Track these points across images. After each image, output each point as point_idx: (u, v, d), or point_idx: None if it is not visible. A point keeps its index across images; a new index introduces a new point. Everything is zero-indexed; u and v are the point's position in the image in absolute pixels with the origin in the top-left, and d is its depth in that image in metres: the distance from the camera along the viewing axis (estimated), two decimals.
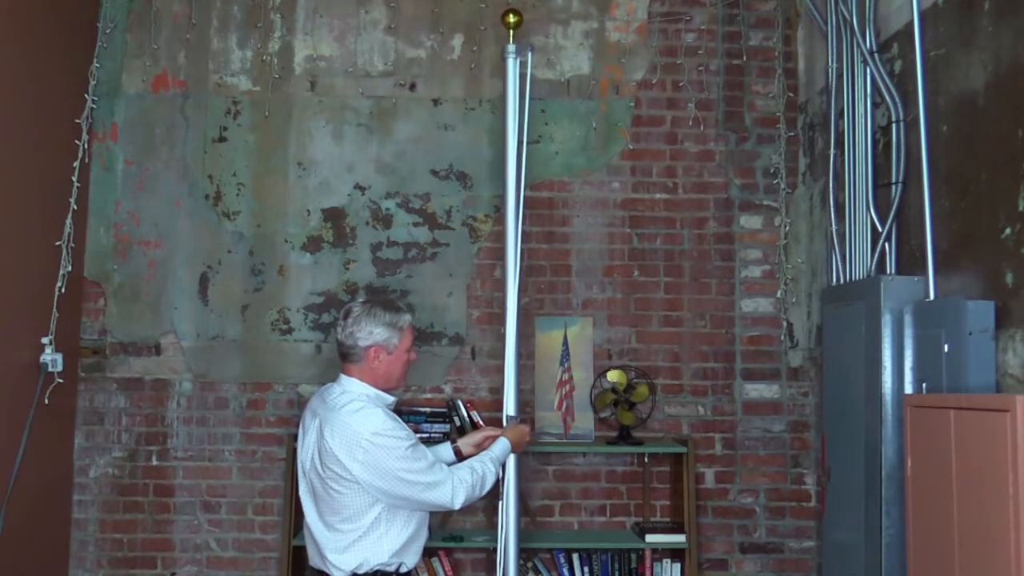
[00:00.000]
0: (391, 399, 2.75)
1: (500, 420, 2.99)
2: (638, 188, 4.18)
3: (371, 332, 2.68)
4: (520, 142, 3.03)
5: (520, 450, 2.96)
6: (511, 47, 3.04)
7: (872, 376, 2.94)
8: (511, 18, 3.05)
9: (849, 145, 3.41)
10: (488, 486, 2.74)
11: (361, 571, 2.58)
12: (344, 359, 2.72)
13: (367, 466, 2.51)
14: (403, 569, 2.63)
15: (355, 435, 2.53)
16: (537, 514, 4.04)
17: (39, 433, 3.55)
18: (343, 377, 2.72)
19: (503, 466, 2.87)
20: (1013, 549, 2.04)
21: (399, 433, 2.57)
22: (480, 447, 2.95)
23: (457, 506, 2.64)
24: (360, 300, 2.79)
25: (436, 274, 4.12)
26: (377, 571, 2.58)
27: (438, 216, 4.14)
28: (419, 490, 2.57)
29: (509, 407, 2.99)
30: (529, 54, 3.05)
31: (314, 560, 2.68)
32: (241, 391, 4.06)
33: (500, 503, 2.95)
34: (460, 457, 2.94)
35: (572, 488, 4.08)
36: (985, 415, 2.20)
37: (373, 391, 2.69)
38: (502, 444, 2.88)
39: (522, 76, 3.03)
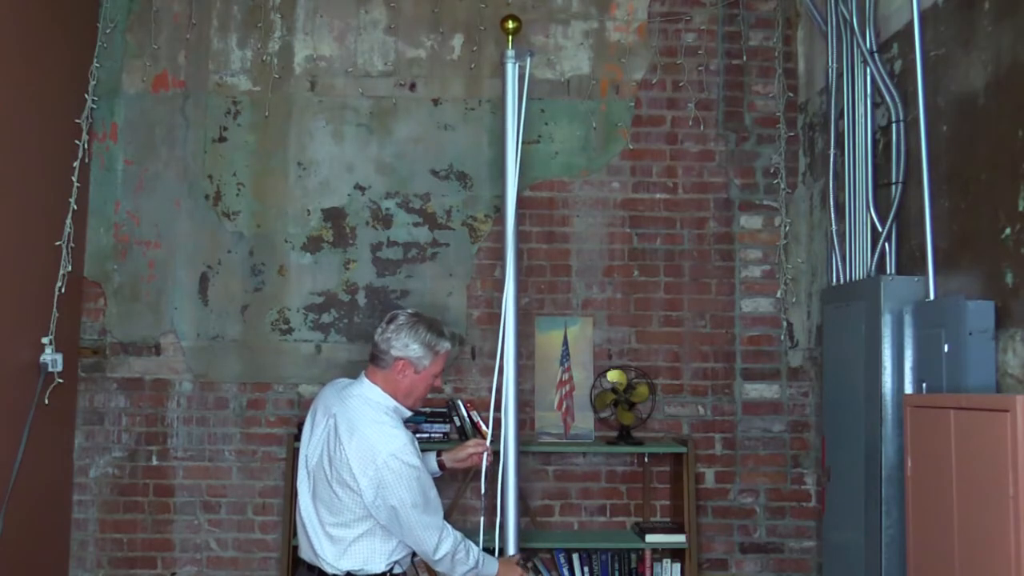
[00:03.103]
0: (407, 413, 2.74)
1: (500, 420, 2.98)
2: (638, 188, 4.18)
3: (407, 345, 2.66)
4: (517, 148, 3.03)
5: None
6: (510, 52, 3.04)
7: (872, 376, 2.94)
8: (510, 24, 3.06)
9: (849, 145, 3.41)
10: (467, 566, 2.68)
11: (358, 574, 2.58)
12: (372, 361, 2.71)
13: (375, 483, 2.51)
14: (396, 570, 2.64)
15: (373, 451, 2.52)
16: (537, 514, 4.04)
17: (39, 433, 3.55)
18: (365, 380, 2.70)
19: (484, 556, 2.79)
20: (1013, 549, 2.04)
21: (415, 461, 2.56)
22: (463, 463, 2.96)
23: (436, 556, 2.61)
24: (409, 311, 2.77)
25: (436, 274, 4.12)
26: (371, 574, 2.59)
27: (438, 216, 4.14)
28: (412, 524, 2.55)
29: (510, 408, 2.98)
30: (528, 58, 3.05)
31: (306, 554, 2.68)
32: (241, 391, 4.06)
33: (500, 503, 2.95)
34: (443, 469, 2.95)
35: (572, 488, 4.07)
36: (985, 415, 2.20)
37: (392, 403, 2.68)
38: (491, 563, 2.79)
39: (520, 79, 3.04)
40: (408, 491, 2.52)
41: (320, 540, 2.60)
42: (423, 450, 2.85)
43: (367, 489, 2.51)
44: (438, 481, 2.79)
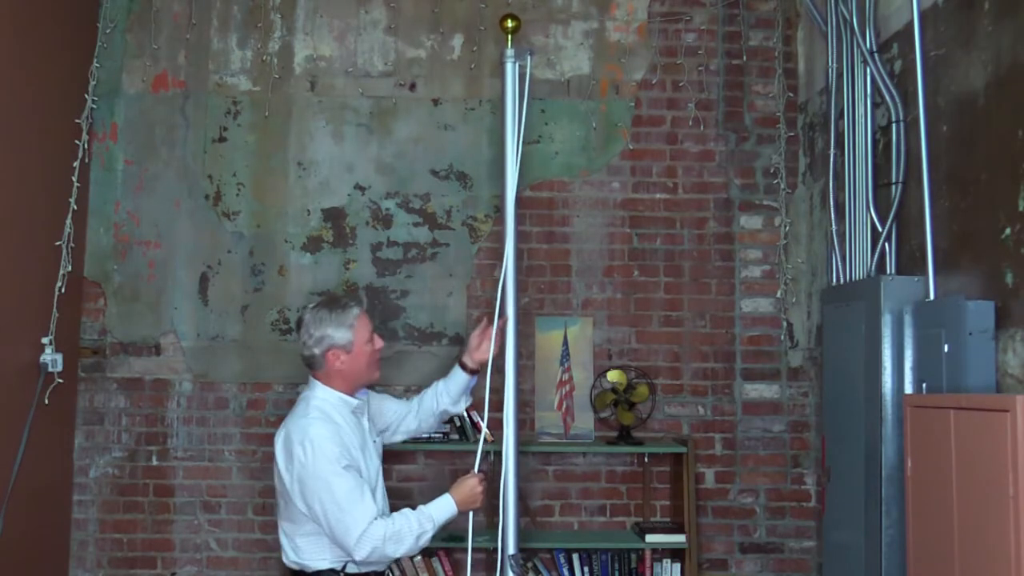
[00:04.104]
0: (355, 402, 2.66)
1: (500, 420, 2.97)
2: (638, 188, 4.19)
3: (322, 337, 2.60)
4: (517, 148, 3.02)
5: (470, 508, 2.65)
6: (510, 51, 3.04)
7: (872, 376, 2.94)
8: (509, 23, 3.05)
9: (849, 145, 3.41)
10: (407, 544, 2.51)
11: (307, 571, 2.57)
12: (309, 368, 2.67)
13: (295, 477, 2.50)
14: (350, 568, 2.58)
15: (290, 441, 2.52)
16: (537, 514, 4.04)
17: (39, 433, 3.55)
18: (311, 379, 2.68)
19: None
20: (1013, 549, 2.04)
21: (329, 452, 2.47)
22: (484, 353, 2.76)
23: (358, 557, 2.48)
24: (310, 306, 2.71)
25: (436, 274, 4.12)
26: (319, 572, 2.56)
27: (438, 216, 4.14)
28: (329, 522, 2.47)
29: (510, 408, 2.97)
30: (528, 58, 3.04)
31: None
32: (241, 391, 4.06)
33: (500, 503, 2.94)
34: (471, 371, 2.85)
35: (572, 488, 4.07)
36: (985, 415, 2.20)
37: (336, 395, 2.62)
38: (441, 504, 2.60)
39: (521, 78, 3.03)
40: (318, 479, 2.45)
41: (281, 536, 2.63)
42: (431, 451, 2.81)
43: (288, 481, 2.51)
44: (439, 466, 2.74)
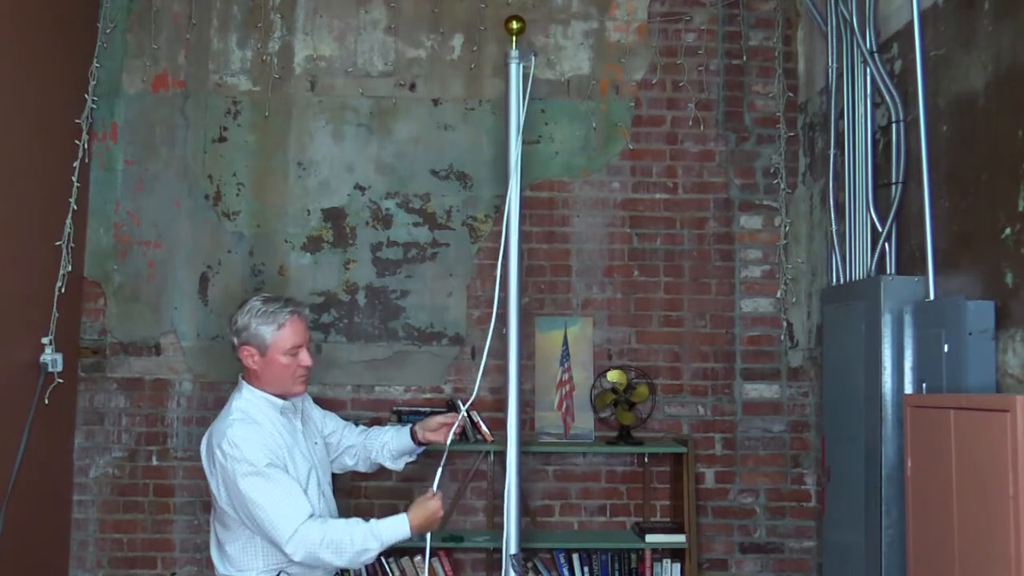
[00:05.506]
0: (281, 403, 2.52)
1: (502, 420, 2.97)
2: (638, 188, 4.19)
3: (242, 328, 2.45)
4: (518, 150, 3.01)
5: (427, 531, 2.46)
6: (514, 53, 3.04)
7: (872, 376, 2.94)
8: (514, 24, 3.04)
9: (849, 145, 3.41)
10: (346, 556, 2.33)
11: None
12: None
13: (216, 478, 2.39)
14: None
15: (210, 441, 2.41)
16: (537, 514, 4.04)
17: (39, 433, 3.55)
18: (239, 378, 2.56)
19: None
20: (1013, 549, 2.04)
21: (249, 453, 2.33)
22: (435, 432, 2.72)
23: (295, 559, 2.32)
24: (263, 294, 2.59)
25: (436, 274, 4.12)
26: None
27: (438, 216, 4.14)
28: (258, 521, 2.32)
29: (511, 408, 2.96)
30: (532, 59, 3.04)
31: None
32: None
33: (501, 503, 2.93)
34: (416, 440, 2.75)
35: (572, 488, 4.07)
36: (985, 415, 2.20)
37: (260, 396, 2.48)
38: (394, 524, 2.38)
39: (524, 79, 3.03)
40: (244, 479, 2.31)
41: (212, 547, 2.50)
42: (430, 451, 2.76)
43: (215, 486, 2.39)
44: (421, 468, 2.60)
